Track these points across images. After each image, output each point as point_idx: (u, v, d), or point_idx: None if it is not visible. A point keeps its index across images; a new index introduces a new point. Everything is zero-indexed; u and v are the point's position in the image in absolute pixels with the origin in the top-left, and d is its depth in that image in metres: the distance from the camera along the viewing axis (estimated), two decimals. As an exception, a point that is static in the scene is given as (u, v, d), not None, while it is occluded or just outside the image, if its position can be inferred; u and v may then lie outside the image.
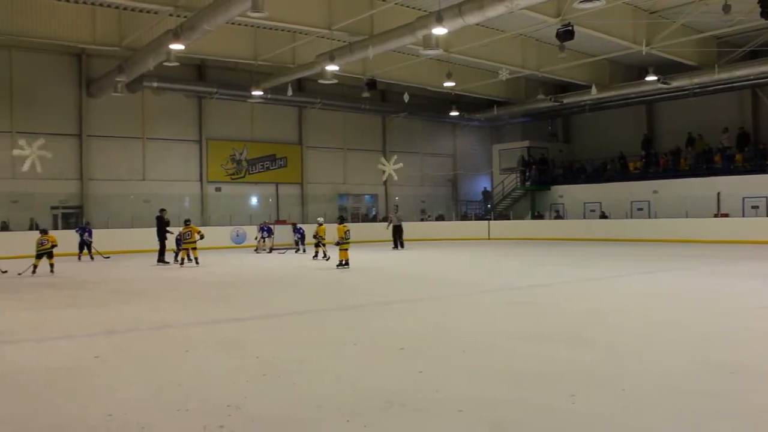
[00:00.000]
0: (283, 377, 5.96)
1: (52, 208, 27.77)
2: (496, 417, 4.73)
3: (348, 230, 17.84)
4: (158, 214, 21.27)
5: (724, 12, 19.35)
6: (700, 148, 31.52)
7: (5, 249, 21.40)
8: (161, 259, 20.37)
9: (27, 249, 18.61)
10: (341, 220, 19.33)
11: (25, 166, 24.73)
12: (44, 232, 17.98)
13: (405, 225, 27.68)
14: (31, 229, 24.82)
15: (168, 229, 20.90)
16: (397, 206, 29.79)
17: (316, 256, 20.87)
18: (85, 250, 22.59)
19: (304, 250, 24.52)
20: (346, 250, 17.65)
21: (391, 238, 27.08)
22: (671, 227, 27.77)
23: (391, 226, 27.37)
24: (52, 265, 17.13)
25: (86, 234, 22.70)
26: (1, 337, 8.12)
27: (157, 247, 20.68)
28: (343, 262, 17.52)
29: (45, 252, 17.16)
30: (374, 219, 36.75)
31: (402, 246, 26.71)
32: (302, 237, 24.98)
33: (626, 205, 31.94)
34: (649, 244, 26.01)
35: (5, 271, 17.26)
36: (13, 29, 21.66)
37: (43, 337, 8.42)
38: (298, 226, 25.76)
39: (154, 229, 21.00)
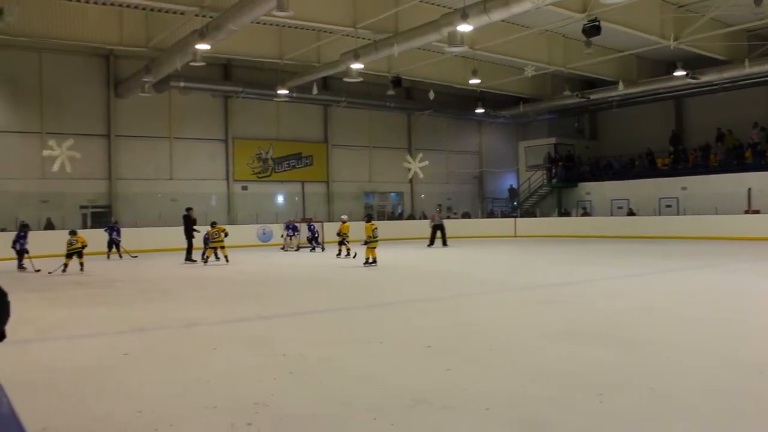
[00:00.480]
0: (310, 375, 5.97)
1: (82, 207, 28.12)
2: (523, 415, 4.70)
3: (376, 228, 17.86)
4: (185, 213, 21.45)
5: (756, 4, 19.01)
6: (730, 143, 31.06)
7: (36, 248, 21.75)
8: (189, 258, 20.54)
9: (45, 248, 19.01)
10: (369, 218, 19.28)
11: (55, 167, 25.05)
12: (73, 232, 18.21)
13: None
14: (47, 228, 25.17)
15: (195, 227, 21.06)
16: (440, 205, 29.75)
17: (339, 254, 20.89)
18: (114, 249, 22.86)
19: (323, 248, 24.61)
20: (374, 248, 17.68)
21: (429, 236, 27.01)
22: (700, 224, 27.38)
23: (432, 224, 27.36)
24: (82, 264, 17.41)
25: (114, 233, 22.98)
26: (32, 334, 8.23)
27: (185, 246, 20.87)
28: (371, 260, 17.55)
29: (75, 251, 17.42)
30: (400, 217, 36.75)
31: (445, 244, 26.54)
32: (313, 235, 25.07)
33: (654, 202, 31.59)
34: (677, 242, 25.71)
35: (38, 270, 17.58)
36: (42, 32, 21.93)
37: (72, 334, 8.53)
38: (311, 224, 25.81)
39: (182, 228, 21.20)
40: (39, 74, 27.06)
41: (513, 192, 40.40)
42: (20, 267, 18.48)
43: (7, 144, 26.32)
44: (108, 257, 22.56)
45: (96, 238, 22.07)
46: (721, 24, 24.09)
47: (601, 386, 5.35)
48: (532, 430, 4.42)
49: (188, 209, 21.57)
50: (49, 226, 25.70)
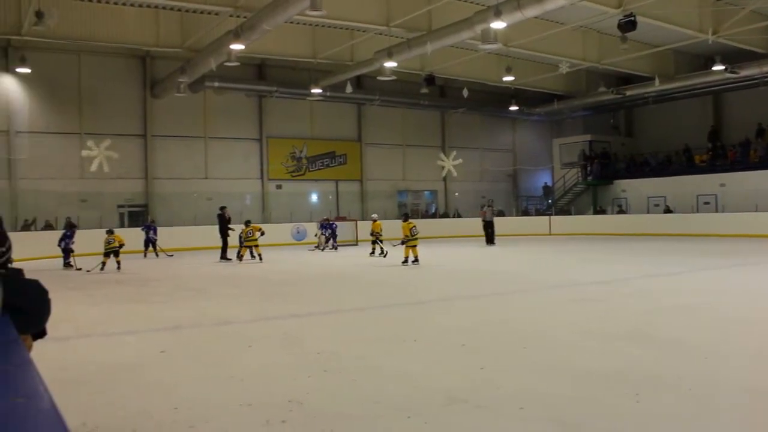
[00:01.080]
0: (344, 373, 5.99)
1: (119, 206, 28.54)
2: (558, 415, 4.66)
3: (413, 227, 17.73)
4: (219, 212, 21.64)
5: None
6: (771, 139, 30.48)
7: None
8: (224, 256, 20.71)
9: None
10: (406, 217, 19.17)
11: (93, 166, 25.46)
12: (110, 232, 18.50)
13: (467, 221, 27.33)
14: (57, 228, 25.19)
15: (230, 226, 21.23)
16: (491, 200, 29.11)
17: (373, 252, 20.91)
18: (151, 248, 23.16)
19: (335, 248, 24.68)
20: (415, 246, 17.59)
21: (483, 234, 26.41)
22: (740, 221, 26.88)
23: (483, 220, 26.64)
24: (119, 263, 17.67)
25: (151, 232, 23.28)
26: (71, 331, 8.37)
27: (220, 244, 21.06)
28: (413, 259, 17.43)
29: (112, 250, 17.69)
30: (434, 215, 36.64)
31: (491, 242, 25.87)
32: (334, 234, 24.99)
33: (692, 199, 31.10)
34: (716, 239, 25.28)
35: (80, 269, 17.93)
36: (81, 35, 22.31)
37: (110, 332, 8.66)
38: (331, 221, 25.73)
39: (217, 227, 21.41)
40: (77, 76, 27.51)
41: (547, 190, 40.03)
42: (66, 265, 18.87)
43: (48, 145, 26.79)
44: (145, 256, 22.88)
45: (133, 236, 22.45)
46: (761, 16, 23.57)
47: (637, 386, 5.28)
48: (568, 431, 4.38)
49: (222, 208, 21.75)
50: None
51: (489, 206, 27.37)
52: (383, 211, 27.80)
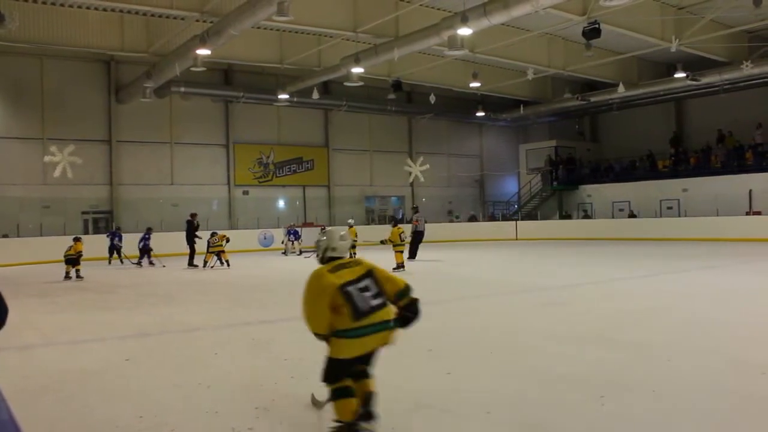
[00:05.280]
0: (311, 379, 5.94)
1: (83, 213, 28.13)
2: (524, 418, 4.70)
3: (402, 232, 17.61)
4: (188, 218, 21.46)
5: (755, 6, 19.03)
6: (731, 145, 31.07)
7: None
8: (191, 263, 20.53)
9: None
10: (395, 222, 18.93)
11: (56, 172, 25.06)
12: (77, 239, 18.00)
13: (431, 226, 26.71)
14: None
15: (197, 234, 21.06)
16: (417, 206, 27.81)
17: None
18: (115, 255, 22.87)
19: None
20: (401, 252, 17.43)
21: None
22: (702, 226, 27.35)
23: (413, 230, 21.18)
24: (77, 271, 17.18)
25: (116, 239, 22.98)
26: (35, 339, 8.24)
27: (186, 251, 20.88)
28: (400, 265, 17.16)
29: (68, 259, 17.19)
30: (401, 221, 36.64)
31: (412, 256, 20.03)
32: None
33: (655, 204, 31.57)
34: (679, 243, 25.67)
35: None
36: (43, 38, 21.93)
37: (75, 339, 8.54)
38: (328, 229, 25.54)
39: (184, 233, 21.23)
40: (40, 80, 27.10)
41: (545, 175, 38.48)
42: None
43: (9, 150, 26.35)
44: (109, 263, 22.58)
45: (98, 243, 22.20)
46: (721, 25, 24.09)
47: (602, 388, 5.35)
48: (533, 433, 4.42)
49: (192, 215, 21.60)
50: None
51: (416, 213, 22.91)
52: (351, 216, 27.75)
